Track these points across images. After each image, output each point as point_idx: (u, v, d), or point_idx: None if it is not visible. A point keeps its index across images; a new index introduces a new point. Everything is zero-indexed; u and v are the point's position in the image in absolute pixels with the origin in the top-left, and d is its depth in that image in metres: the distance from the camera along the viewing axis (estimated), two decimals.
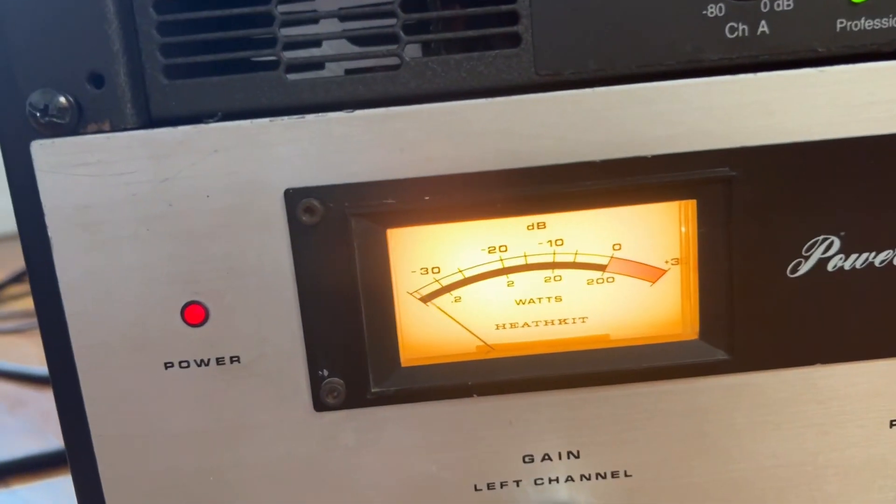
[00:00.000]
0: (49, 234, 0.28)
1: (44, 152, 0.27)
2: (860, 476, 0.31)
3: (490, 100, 0.27)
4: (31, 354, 0.85)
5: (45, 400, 0.73)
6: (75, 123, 0.27)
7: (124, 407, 0.29)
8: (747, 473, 0.31)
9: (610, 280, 0.30)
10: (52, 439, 0.64)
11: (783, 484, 0.31)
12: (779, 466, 0.31)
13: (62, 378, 0.29)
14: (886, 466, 0.31)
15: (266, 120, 0.27)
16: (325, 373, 0.29)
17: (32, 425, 0.67)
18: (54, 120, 0.27)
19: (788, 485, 0.31)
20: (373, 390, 0.29)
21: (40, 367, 0.79)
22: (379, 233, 0.28)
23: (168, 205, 0.28)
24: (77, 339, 0.29)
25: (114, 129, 0.27)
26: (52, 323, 0.29)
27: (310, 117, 0.27)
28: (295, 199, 0.27)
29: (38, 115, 0.27)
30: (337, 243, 0.28)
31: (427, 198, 0.28)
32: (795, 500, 0.31)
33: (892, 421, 0.30)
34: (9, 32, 0.27)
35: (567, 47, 0.28)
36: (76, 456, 0.30)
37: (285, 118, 0.27)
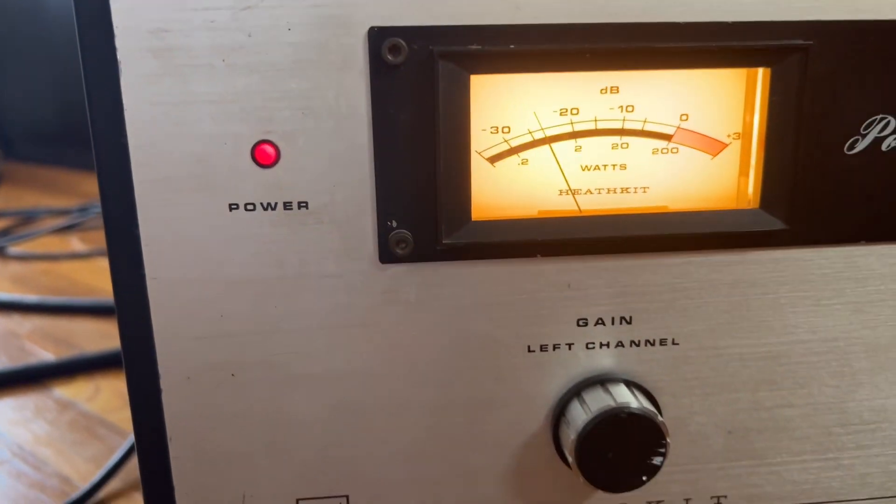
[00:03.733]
0: (118, 57, 0.27)
1: None
2: (887, 354, 0.33)
3: None
4: None
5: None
6: None
7: (183, 248, 0.29)
8: (784, 347, 0.32)
9: (674, 151, 0.31)
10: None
11: (815, 358, 0.33)
12: (813, 341, 0.32)
13: (117, 214, 0.28)
14: None
15: None
16: (394, 223, 0.29)
17: None
18: None
19: (820, 359, 0.33)
20: (444, 242, 0.29)
21: None
22: (463, 77, 0.28)
23: (247, 35, 0.27)
24: (139, 174, 0.28)
25: None
26: (111, 155, 0.28)
27: None
28: (380, 37, 0.27)
29: None
30: (420, 85, 0.27)
31: (512, 46, 0.27)
32: (825, 375, 0.33)
33: None
34: None
35: None
36: (126, 298, 0.29)
37: None
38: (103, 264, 0.87)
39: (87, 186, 1.28)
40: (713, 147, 0.31)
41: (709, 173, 0.31)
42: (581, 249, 0.30)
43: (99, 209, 1.11)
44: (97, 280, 0.82)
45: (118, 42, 0.27)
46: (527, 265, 0.30)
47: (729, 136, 0.31)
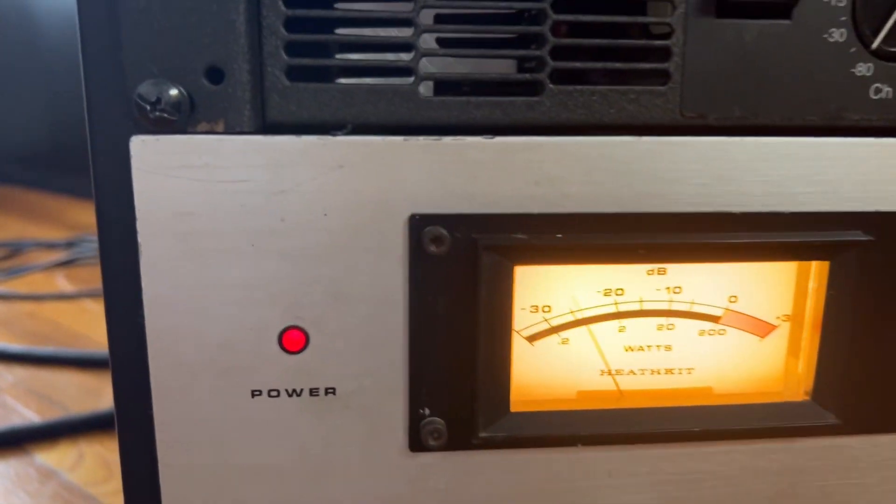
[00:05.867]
0: (139, 240, 0.25)
1: (145, 150, 0.24)
2: None
3: (637, 138, 0.26)
4: None
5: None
6: (185, 121, 0.24)
7: (199, 435, 0.27)
8: None
9: (721, 332, 0.29)
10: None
11: None
12: None
13: (130, 399, 0.26)
14: None
15: (400, 138, 0.25)
16: (427, 411, 0.27)
17: None
18: (164, 115, 0.24)
19: None
20: (480, 435, 0.27)
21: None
22: (506, 268, 0.26)
23: (280, 219, 0.25)
24: (156, 358, 0.26)
25: (227, 131, 0.25)
26: (127, 337, 0.26)
27: (446, 140, 0.25)
28: (420, 225, 0.25)
29: (147, 108, 0.24)
30: (462, 274, 0.26)
31: (559, 235, 0.26)
32: None
33: None
34: (122, 15, 0.23)
35: (714, 91, 0.26)
36: (136, 486, 0.27)
37: (420, 138, 0.25)
38: (90, 306, 0.85)
39: (76, 215, 1.25)
40: (762, 329, 0.29)
41: (756, 354, 0.30)
42: (623, 440, 0.28)
43: (89, 244, 1.07)
44: (83, 325, 0.80)
45: (139, 225, 0.25)
46: (564, 453, 0.28)
47: (778, 317, 0.29)
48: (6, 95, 1.40)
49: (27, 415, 0.60)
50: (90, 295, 0.87)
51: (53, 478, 0.52)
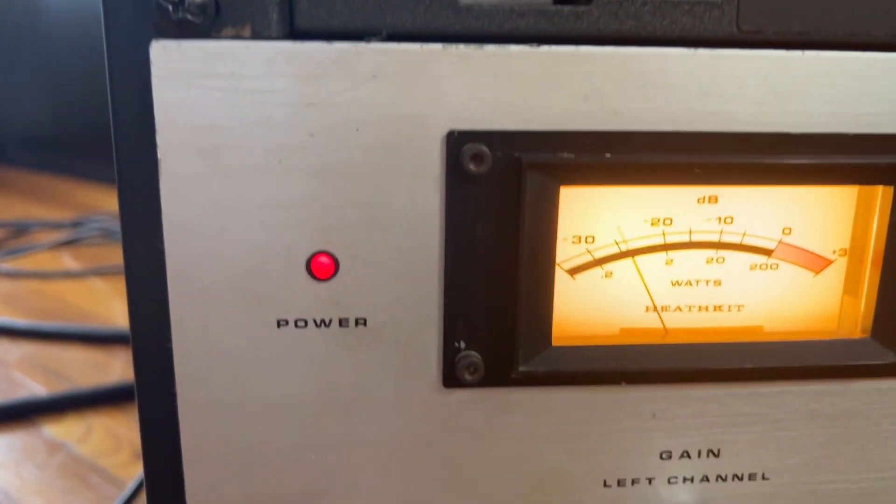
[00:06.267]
0: (158, 156, 0.23)
1: (167, 56, 0.22)
2: None
3: (693, 50, 0.24)
4: None
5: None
6: (209, 25, 0.23)
7: (221, 368, 0.25)
8: (884, 483, 0.29)
9: (773, 267, 0.27)
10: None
11: None
12: None
13: (147, 329, 0.25)
14: None
15: (438, 45, 0.23)
16: (462, 345, 0.26)
17: None
18: (188, 17, 0.22)
19: None
20: (520, 369, 0.26)
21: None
22: (552, 189, 0.24)
23: (309, 135, 0.23)
24: (176, 285, 0.24)
25: (254, 37, 0.23)
26: (145, 262, 0.24)
27: (489, 48, 0.23)
28: (459, 142, 0.24)
29: (169, 9, 0.22)
30: (503, 197, 0.24)
31: (608, 155, 0.24)
32: None
33: None
34: None
35: (773, 3, 0.25)
36: (152, 422, 0.26)
37: (460, 46, 0.23)
38: (97, 285, 0.84)
39: (82, 196, 1.24)
40: (816, 263, 0.28)
41: (810, 291, 0.28)
42: (668, 378, 0.27)
43: (95, 224, 1.07)
44: (89, 302, 0.78)
45: (160, 139, 0.23)
46: (608, 392, 0.27)
47: (835, 251, 0.28)
48: (11, 78, 1.39)
49: (35, 389, 0.59)
50: (96, 273, 0.86)
51: (62, 450, 0.51)
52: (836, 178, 0.25)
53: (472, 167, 0.24)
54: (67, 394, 0.58)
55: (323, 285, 0.25)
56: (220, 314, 0.25)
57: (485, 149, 0.24)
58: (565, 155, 0.24)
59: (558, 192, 0.25)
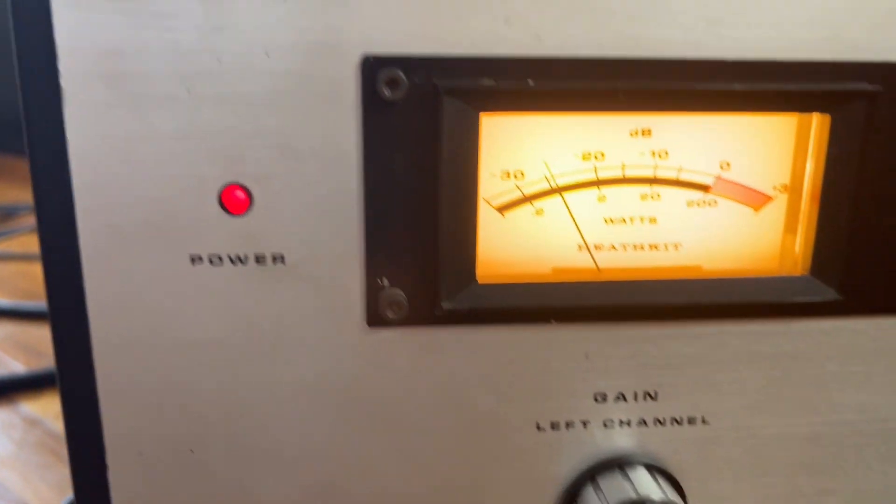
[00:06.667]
0: (61, 83, 0.22)
1: None
2: None
3: None
4: None
5: None
6: None
7: (135, 307, 0.24)
8: (828, 427, 0.28)
9: (712, 203, 0.27)
10: None
11: (864, 440, 0.29)
12: (862, 421, 0.28)
13: (60, 267, 0.24)
14: None
15: None
16: (385, 281, 0.25)
17: None
18: None
19: (870, 442, 0.29)
20: (443, 306, 0.25)
21: None
22: (472, 116, 0.24)
23: (217, 60, 0.23)
24: (85, 219, 0.24)
25: None
26: (53, 197, 0.23)
27: None
28: (374, 67, 0.23)
29: None
30: (421, 124, 0.23)
31: (531, 81, 0.23)
32: (873, 459, 0.29)
33: None
34: None
35: None
36: (69, 366, 0.25)
37: None
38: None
39: None
40: (756, 200, 0.27)
41: (750, 229, 0.27)
42: (602, 316, 0.26)
43: None
44: None
45: (62, 65, 0.22)
46: (539, 331, 0.26)
47: (775, 188, 0.27)
48: None
49: (14, 367, 0.59)
50: None
51: (38, 426, 0.51)
52: (769, 106, 0.24)
53: (387, 93, 0.23)
54: (45, 371, 0.58)
55: (237, 220, 0.24)
56: (131, 250, 0.24)
57: (400, 74, 0.23)
58: (485, 81, 0.23)
59: (479, 120, 0.24)
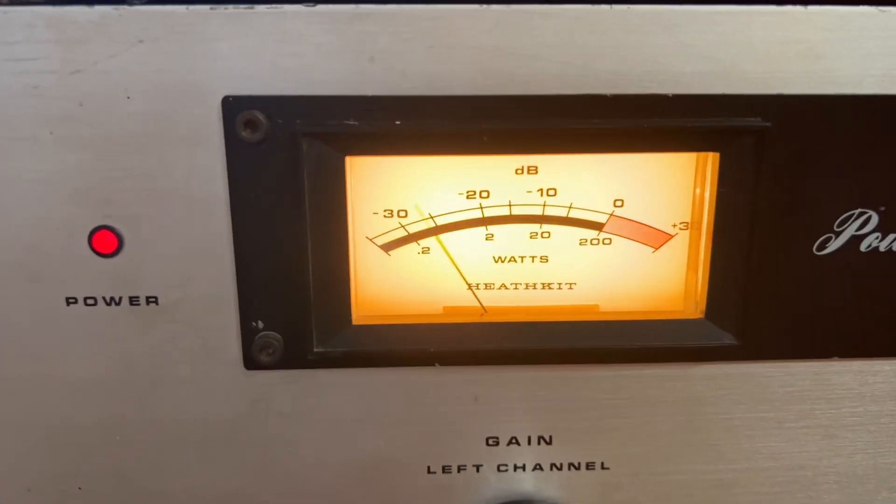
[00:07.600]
0: None
1: None
2: (864, 486, 0.27)
3: (485, 6, 0.22)
4: None
5: None
6: None
7: (11, 347, 0.24)
8: (740, 475, 0.27)
9: (606, 242, 0.26)
10: None
11: (778, 489, 0.27)
12: (776, 469, 0.27)
13: None
14: (894, 477, 0.27)
15: (206, 7, 0.22)
16: (260, 324, 0.24)
17: None
18: None
19: (784, 490, 0.27)
20: (315, 350, 0.24)
21: None
22: (336, 159, 0.23)
23: (78, 104, 0.22)
24: None
25: (12, 2, 0.22)
26: None
27: (260, 8, 0.22)
28: (235, 109, 0.22)
29: None
30: (283, 168, 0.23)
31: (398, 122, 0.23)
32: None
33: None
34: None
35: None
36: None
37: (229, 6, 0.22)
38: None
39: None
40: (655, 238, 0.26)
41: (653, 268, 0.26)
42: (488, 359, 0.25)
43: None
44: None
45: None
46: (424, 374, 0.25)
47: (675, 225, 0.25)
48: None
49: None
50: None
51: None
52: (648, 145, 0.23)
53: (245, 135, 0.22)
54: None
55: (108, 261, 0.24)
56: (7, 291, 0.24)
57: (258, 115, 0.22)
58: (349, 122, 0.23)
59: (344, 163, 0.23)
